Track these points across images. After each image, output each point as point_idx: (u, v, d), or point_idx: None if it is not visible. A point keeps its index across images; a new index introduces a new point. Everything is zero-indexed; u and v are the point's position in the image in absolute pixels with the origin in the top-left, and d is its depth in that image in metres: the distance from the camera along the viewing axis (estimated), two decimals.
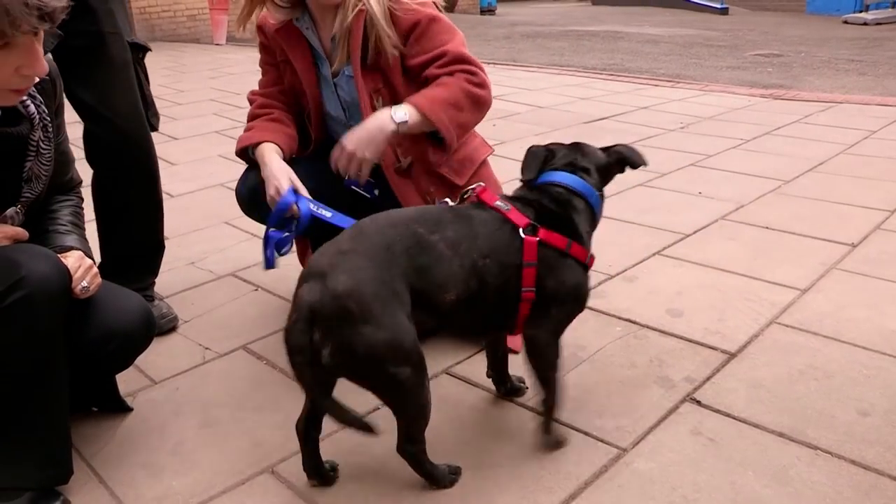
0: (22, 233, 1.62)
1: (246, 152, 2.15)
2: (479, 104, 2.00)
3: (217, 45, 11.12)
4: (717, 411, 1.85)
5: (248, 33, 2.16)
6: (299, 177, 2.03)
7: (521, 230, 1.60)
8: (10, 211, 1.64)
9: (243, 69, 8.05)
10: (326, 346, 1.39)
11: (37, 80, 1.55)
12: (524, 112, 5.60)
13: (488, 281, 1.57)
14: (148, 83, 2.36)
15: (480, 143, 2.27)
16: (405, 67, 2.03)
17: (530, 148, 1.81)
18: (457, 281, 1.53)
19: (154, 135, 2.37)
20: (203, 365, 2.18)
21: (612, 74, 7.50)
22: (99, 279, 1.68)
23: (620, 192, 3.60)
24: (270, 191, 1.99)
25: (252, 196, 2.17)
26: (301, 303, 1.41)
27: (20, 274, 1.44)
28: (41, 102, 1.66)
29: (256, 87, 2.30)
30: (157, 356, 2.16)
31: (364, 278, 1.42)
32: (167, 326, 2.37)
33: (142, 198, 2.35)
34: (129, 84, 2.25)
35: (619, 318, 2.36)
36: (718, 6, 16.47)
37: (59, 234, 1.76)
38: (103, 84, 2.18)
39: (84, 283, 1.61)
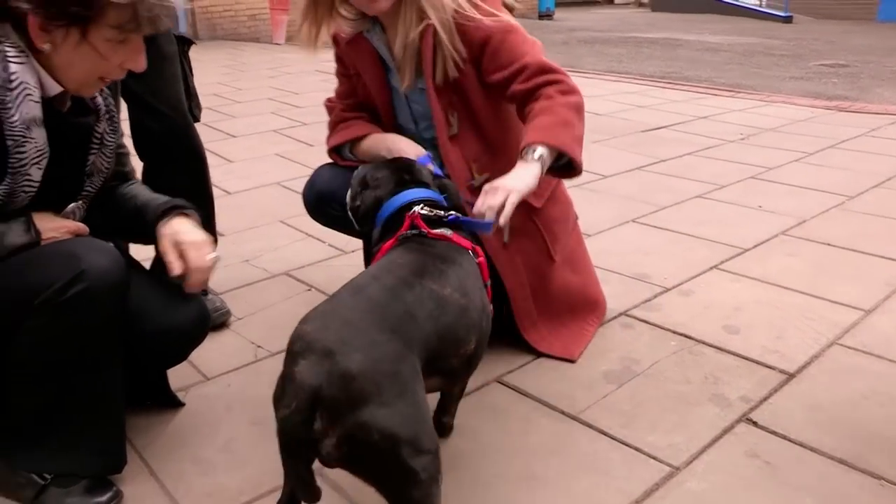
0: (83, 228, 1.65)
1: (340, 151, 2.14)
2: (580, 110, 1.92)
3: (276, 44, 11.28)
4: (774, 433, 1.80)
5: (322, 44, 2.12)
6: None
7: (471, 253, 1.62)
8: (72, 206, 1.67)
9: (301, 69, 8.13)
10: (331, 436, 1.19)
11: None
12: None
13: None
14: (192, 75, 2.40)
15: None
16: (483, 83, 1.98)
17: (360, 174, 1.80)
18: (475, 326, 1.51)
19: (212, 132, 2.41)
20: (255, 363, 2.20)
21: (670, 83, 7.40)
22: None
23: (677, 203, 3.54)
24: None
25: (319, 201, 2.18)
26: (301, 386, 1.20)
27: (81, 267, 1.46)
28: (108, 94, 1.70)
29: (332, 95, 2.29)
30: (210, 352, 2.18)
31: (383, 356, 1.25)
32: (220, 320, 2.40)
33: (191, 188, 2.37)
34: (176, 75, 2.30)
35: (674, 332, 2.31)
36: (782, 14, 16.16)
37: (157, 198, 1.81)
38: (152, 75, 2.22)
39: (214, 255, 1.67)
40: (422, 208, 1.63)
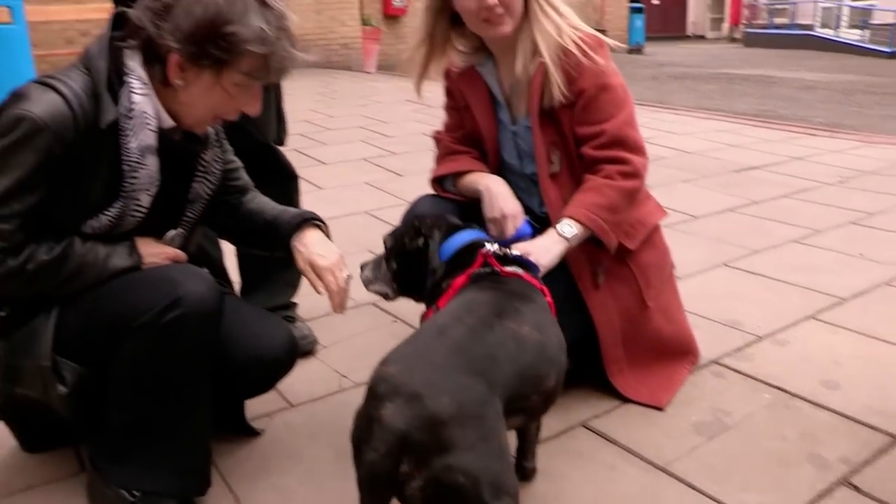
0: (181, 255, 1.71)
1: (443, 182, 2.17)
2: (633, 196, 1.99)
3: (367, 73, 11.52)
4: (879, 500, 1.70)
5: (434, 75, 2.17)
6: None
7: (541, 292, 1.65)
8: (172, 233, 1.72)
9: (391, 98, 8.27)
10: (417, 479, 1.20)
11: None
12: (670, 157, 5.46)
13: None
14: (282, 99, 2.47)
15: (655, 206, 2.22)
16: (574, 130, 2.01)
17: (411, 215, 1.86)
18: (554, 362, 1.52)
19: (303, 158, 2.47)
20: (339, 393, 2.21)
21: (764, 121, 7.22)
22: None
23: (771, 247, 3.43)
24: (506, 211, 1.97)
25: None
26: (389, 430, 1.20)
27: (178, 294, 1.51)
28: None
29: (440, 128, 2.33)
30: (296, 380, 2.20)
31: (469, 400, 1.26)
32: (307, 348, 2.43)
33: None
34: (266, 98, 2.35)
35: (768, 384, 2.22)
36: (886, 49, 15.60)
37: (285, 211, 1.89)
38: None
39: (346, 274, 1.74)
40: (493, 246, 1.66)
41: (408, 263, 1.78)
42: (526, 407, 1.48)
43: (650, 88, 10.17)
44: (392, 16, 13.66)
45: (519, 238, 1.93)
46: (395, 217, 3.22)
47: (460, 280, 1.62)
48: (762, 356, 2.40)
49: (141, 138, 1.54)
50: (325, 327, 2.61)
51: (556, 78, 1.91)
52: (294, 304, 2.55)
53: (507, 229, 1.97)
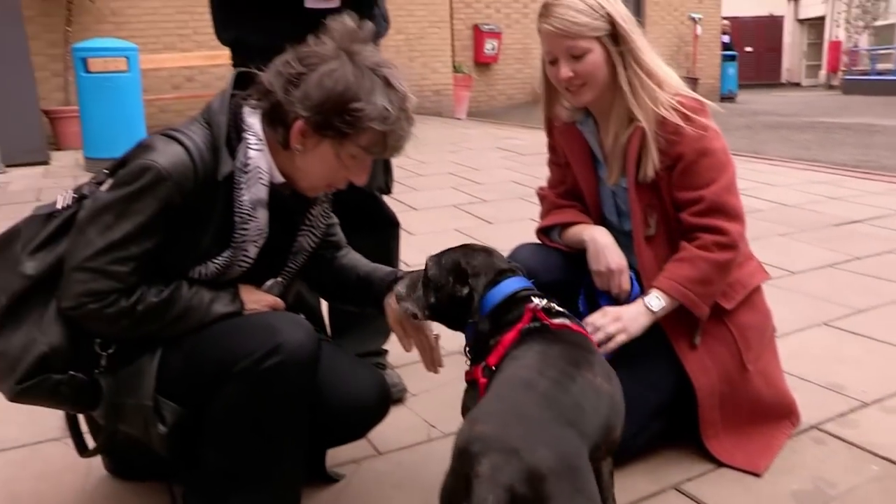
0: (280, 303, 1.76)
1: (549, 232, 2.20)
2: (727, 268, 1.97)
3: (458, 119, 11.69)
4: None
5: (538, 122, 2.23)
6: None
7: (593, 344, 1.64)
8: (271, 282, 1.78)
9: (481, 145, 8.36)
10: None
11: None
12: (766, 209, 5.32)
13: None
14: None
15: (756, 268, 2.18)
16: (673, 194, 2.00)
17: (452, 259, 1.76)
18: (621, 412, 1.52)
19: (394, 203, 2.52)
20: (427, 442, 2.22)
21: (866, 172, 6.96)
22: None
23: (876, 307, 3.29)
24: (612, 265, 2.00)
25: None
26: (489, 485, 1.19)
27: (278, 341, 1.55)
28: None
29: (545, 184, 2.37)
30: (384, 427, 2.20)
31: (567, 452, 1.27)
32: (397, 396, 2.44)
33: (375, 254, 2.47)
34: None
35: (876, 454, 2.11)
36: None
37: (378, 269, 1.96)
38: None
39: (434, 334, 1.84)
40: (541, 300, 1.65)
41: (446, 302, 1.75)
42: (597, 457, 1.47)
43: (744, 138, 9.97)
44: (483, 63, 13.87)
45: (627, 298, 1.96)
46: None
47: (510, 336, 1.60)
48: (868, 423, 2.29)
49: (253, 192, 1.61)
50: (414, 375, 2.62)
51: (653, 148, 1.92)
52: (385, 351, 2.59)
53: (613, 284, 1.98)
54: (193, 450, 1.66)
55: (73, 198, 1.64)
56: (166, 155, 1.52)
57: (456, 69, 12.67)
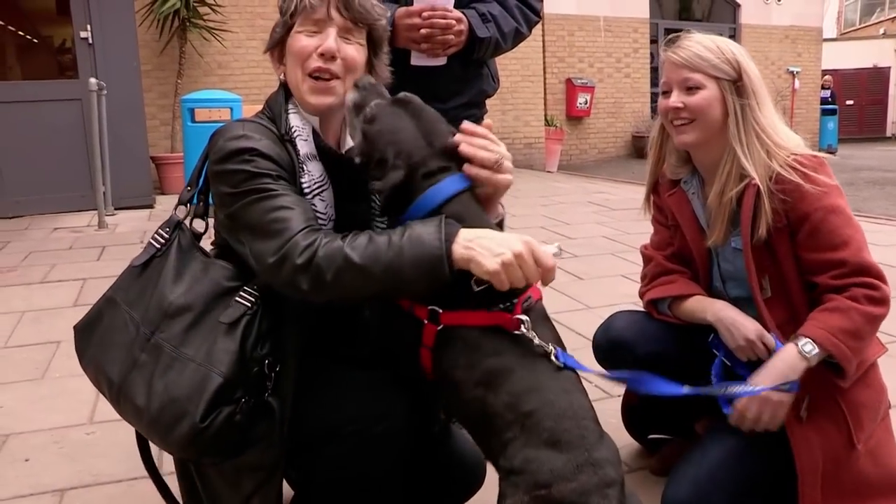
0: None
1: (657, 304, 2.14)
2: (878, 322, 1.84)
3: (548, 172, 11.72)
4: None
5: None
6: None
7: None
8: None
9: (572, 199, 8.33)
10: None
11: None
12: None
13: None
14: None
15: (874, 341, 2.01)
16: (796, 254, 1.90)
17: None
18: None
19: None
20: None
21: None
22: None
23: None
24: (749, 335, 1.89)
25: (612, 349, 2.16)
26: None
27: (383, 409, 1.57)
28: None
29: (647, 242, 2.31)
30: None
31: None
32: None
33: None
34: None
35: None
36: None
37: None
38: None
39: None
40: None
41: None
42: None
43: (846, 194, 9.61)
44: (575, 117, 13.90)
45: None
46: (575, 321, 3.21)
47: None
48: None
49: (301, 147, 1.64)
50: None
51: (767, 205, 1.85)
52: None
53: (758, 351, 1.88)
54: None
55: (166, 231, 1.67)
56: (247, 132, 1.58)
57: (548, 122, 12.74)
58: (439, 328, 1.51)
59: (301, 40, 1.63)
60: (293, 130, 1.64)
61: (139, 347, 1.55)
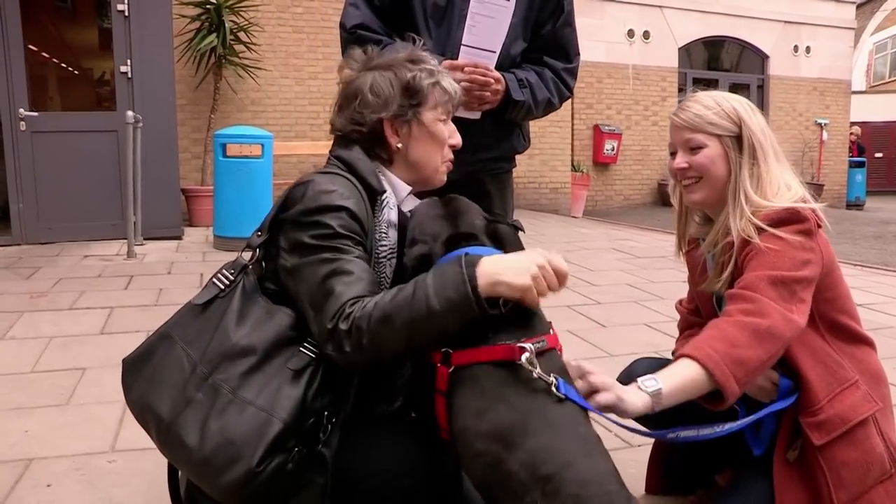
0: None
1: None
2: (764, 335, 1.70)
3: (574, 217, 11.75)
4: None
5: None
6: None
7: None
8: None
9: (597, 245, 8.33)
10: None
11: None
12: None
13: None
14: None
15: (862, 398, 1.89)
16: None
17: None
18: None
19: None
20: None
21: None
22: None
23: None
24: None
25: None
26: None
27: (405, 468, 1.61)
28: None
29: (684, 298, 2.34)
30: None
31: None
32: None
33: None
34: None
35: None
36: None
37: None
38: None
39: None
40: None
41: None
42: None
43: (871, 248, 9.53)
44: (602, 163, 13.96)
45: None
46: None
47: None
48: None
49: (386, 214, 1.72)
50: None
51: (734, 260, 1.89)
52: None
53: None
54: None
55: (231, 272, 1.70)
56: (340, 189, 1.65)
57: (575, 168, 12.80)
58: (451, 370, 1.54)
59: (443, 128, 1.83)
60: (385, 196, 1.74)
61: (195, 386, 1.55)
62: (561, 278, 1.55)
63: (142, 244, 7.10)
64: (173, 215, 7.75)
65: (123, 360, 1.69)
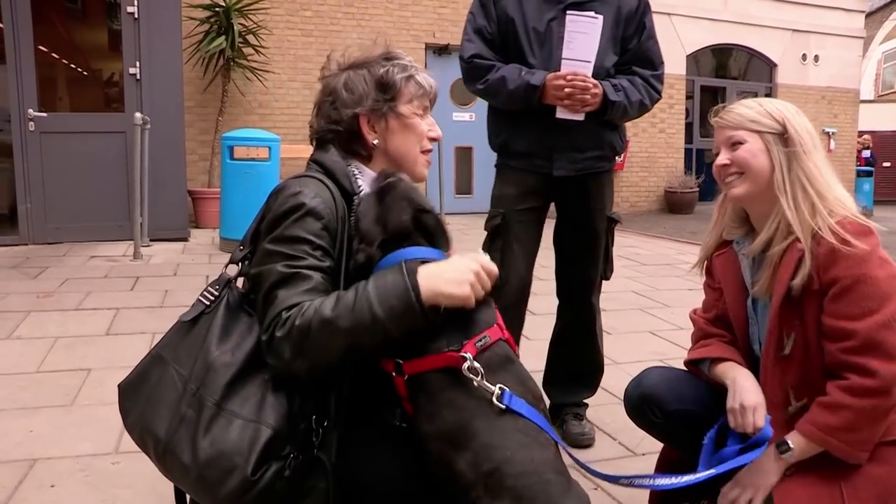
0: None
1: (699, 364, 2.14)
2: (877, 414, 1.79)
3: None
4: None
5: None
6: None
7: None
8: None
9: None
10: None
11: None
12: None
13: None
14: (612, 244, 3.06)
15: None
16: (820, 319, 1.86)
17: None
18: None
19: None
20: None
21: None
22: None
23: None
24: (746, 402, 1.89)
25: (642, 402, 2.15)
26: None
27: (419, 469, 1.61)
28: None
29: (699, 307, 2.29)
30: None
31: None
32: (583, 443, 2.93)
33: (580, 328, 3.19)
34: (598, 248, 3.02)
35: None
36: None
37: None
38: (585, 246, 3.04)
39: None
40: None
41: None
42: None
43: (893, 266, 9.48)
44: None
45: (754, 442, 1.86)
46: (606, 378, 3.20)
47: None
48: None
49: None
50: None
51: (808, 263, 1.82)
52: (585, 405, 3.11)
53: (747, 422, 1.87)
54: None
55: (216, 288, 1.69)
56: (306, 190, 1.65)
57: None
58: (406, 378, 1.59)
59: (419, 121, 1.83)
60: (361, 193, 1.76)
61: (186, 403, 1.54)
62: (493, 279, 1.63)
63: (148, 245, 7.12)
64: (180, 217, 7.77)
65: (119, 385, 1.68)
